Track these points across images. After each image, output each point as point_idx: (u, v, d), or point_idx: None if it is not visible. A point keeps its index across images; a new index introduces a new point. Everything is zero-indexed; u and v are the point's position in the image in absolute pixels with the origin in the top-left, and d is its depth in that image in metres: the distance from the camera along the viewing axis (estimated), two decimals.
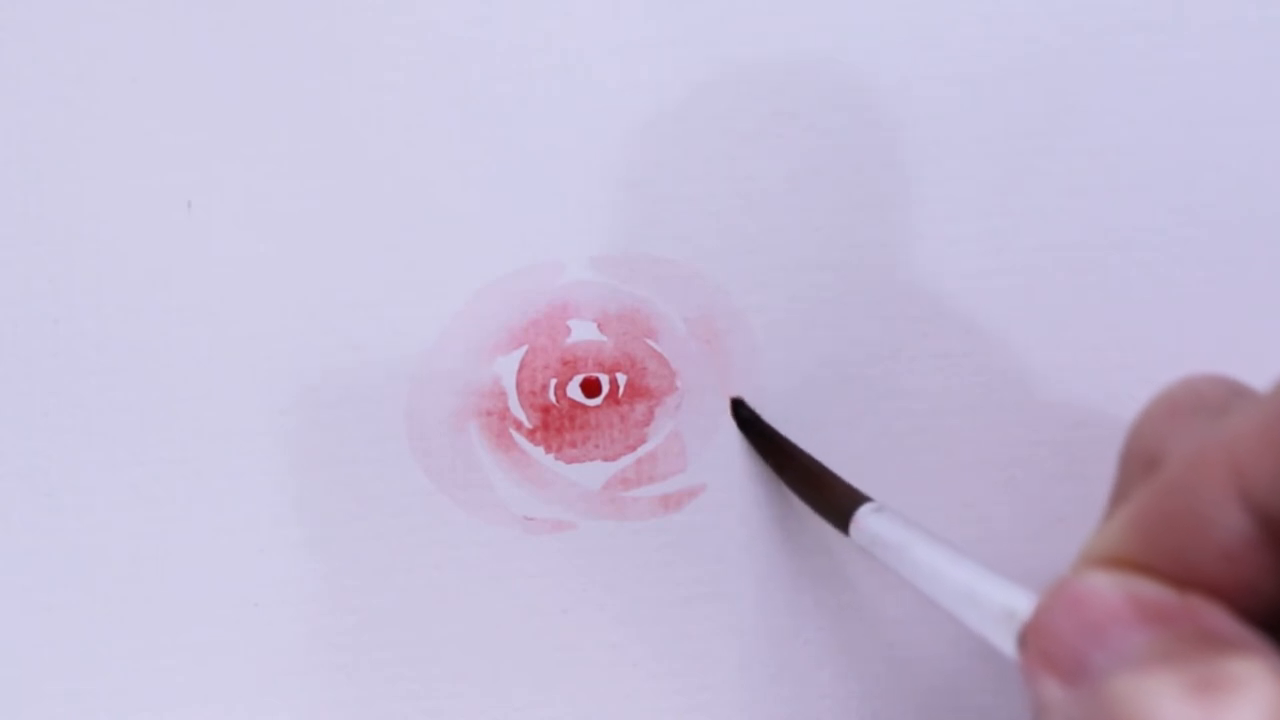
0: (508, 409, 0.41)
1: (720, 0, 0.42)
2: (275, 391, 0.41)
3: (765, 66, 0.42)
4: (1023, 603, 0.26)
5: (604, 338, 0.41)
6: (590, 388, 0.41)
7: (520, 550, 0.41)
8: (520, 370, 0.41)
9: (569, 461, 0.41)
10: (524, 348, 0.41)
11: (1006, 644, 0.26)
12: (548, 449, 0.41)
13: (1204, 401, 0.27)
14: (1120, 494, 0.28)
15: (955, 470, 0.42)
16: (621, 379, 0.41)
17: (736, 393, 0.41)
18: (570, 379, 0.41)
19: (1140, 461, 0.27)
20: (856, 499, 0.35)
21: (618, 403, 0.41)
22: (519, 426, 0.41)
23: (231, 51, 0.41)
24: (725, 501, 0.41)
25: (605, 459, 0.41)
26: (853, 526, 0.35)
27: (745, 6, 0.42)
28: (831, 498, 0.36)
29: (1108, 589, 0.24)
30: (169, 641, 0.41)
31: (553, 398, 0.41)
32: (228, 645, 0.41)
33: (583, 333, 0.41)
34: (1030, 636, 0.25)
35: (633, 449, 0.41)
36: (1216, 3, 0.42)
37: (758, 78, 0.42)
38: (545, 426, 0.41)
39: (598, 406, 0.41)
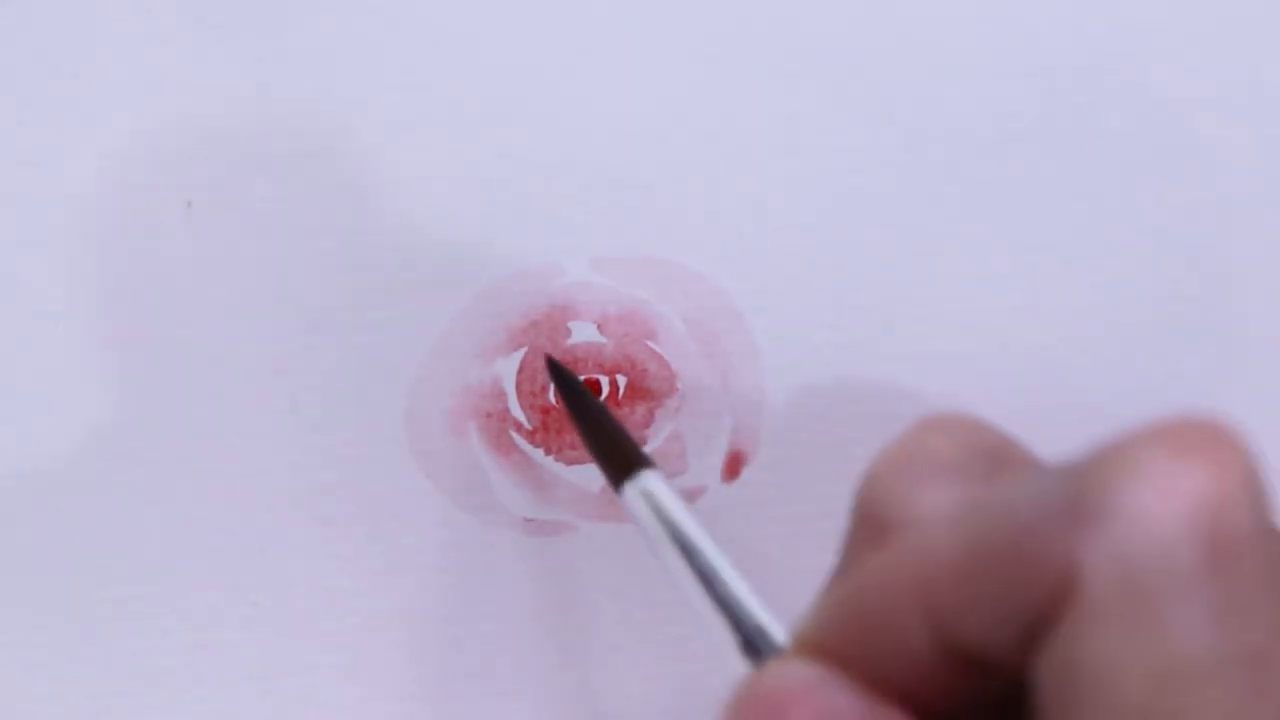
0: (507, 410, 0.41)
1: (721, 1, 0.42)
2: (275, 391, 0.41)
3: (766, 67, 0.42)
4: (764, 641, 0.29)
5: (604, 339, 0.41)
6: (590, 389, 0.41)
7: (520, 551, 0.41)
8: (520, 371, 0.41)
9: (569, 463, 0.41)
10: (524, 349, 0.41)
11: (733, 666, 0.29)
12: (547, 450, 0.41)
13: (936, 462, 0.27)
14: (847, 553, 0.28)
15: None
16: (622, 380, 0.41)
17: (736, 394, 0.41)
18: None
19: (868, 522, 0.27)
20: (644, 461, 0.35)
21: (618, 404, 0.41)
22: (519, 428, 0.41)
23: (231, 51, 0.41)
24: (726, 503, 0.41)
25: None
26: (631, 484, 0.34)
27: (746, 7, 0.42)
28: (623, 452, 0.36)
29: (801, 690, 0.25)
30: (169, 641, 0.41)
31: (553, 399, 0.41)
32: (228, 645, 0.41)
33: (583, 334, 0.41)
34: (725, 715, 0.26)
35: None
36: (1218, 2, 0.42)
37: (758, 78, 0.42)
38: (545, 428, 0.41)
39: None
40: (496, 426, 0.41)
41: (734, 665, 0.29)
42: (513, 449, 0.41)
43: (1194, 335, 0.42)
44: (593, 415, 0.38)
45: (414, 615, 0.41)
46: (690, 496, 0.41)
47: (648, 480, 0.34)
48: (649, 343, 0.41)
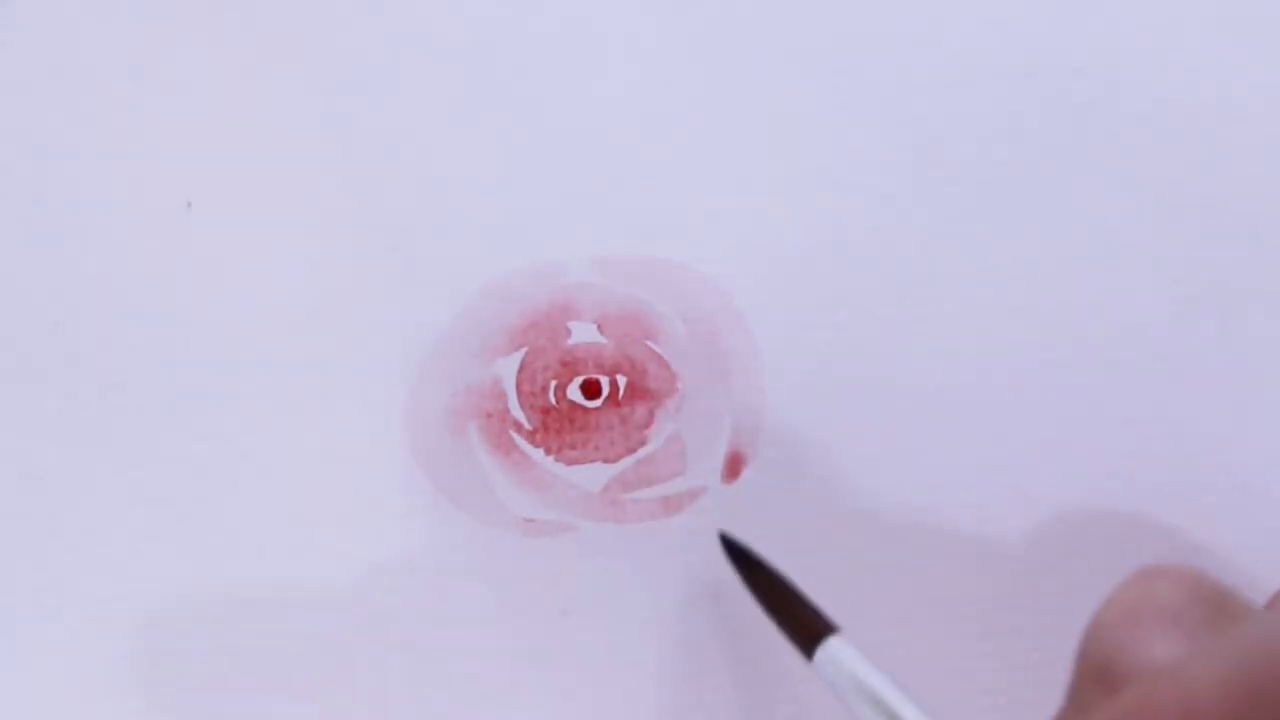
0: (508, 410, 0.41)
1: (721, 1, 0.42)
2: (275, 391, 0.41)
3: (766, 67, 0.42)
4: None
5: (604, 339, 0.41)
6: (590, 389, 0.41)
7: (520, 552, 0.41)
8: (520, 372, 0.41)
9: (569, 463, 0.41)
10: (524, 349, 0.41)
11: None
12: (547, 451, 0.41)
13: (1163, 612, 0.27)
14: (1074, 699, 0.28)
15: (956, 471, 0.42)
16: (622, 380, 0.41)
17: (736, 394, 0.41)
18: (570, 380, 0.41)
19: (1095, 670, 0.28)
20: (827, 627, 0.36)
21: (618, 404, 0.41)
22: (519, 428, 0.41)
23: (232, 51, 0.41)
24: (725, 503, 0.41)
25: (605, 461, 0.41)
26: (820, 652, 0.35)
27: (747, 7, 0.42)
28: (803, 620, 0.37)
29: None
30: (169, 642, 0.41)
31: (553, 399, 0.41)
32: (228, 645, 0.41)
33: (583, 334, 0.41)
34: None
35: (633, 451, 0.41)
36: (1217, 2, 0.42)
37: (758, 79, 0.42)
38: (545, 428, 0.41)
39: (598, 408, 0.41)
40: (496, 426, 0.41)
41: None
42: (513, 449, 0.41)
43: (1194, 335, 0.42)
44: (773, 586, 0.38)
45: (414, 615, 0.41)
46: (690, 497, 0.41)
47: (836, 646, 0.35)
48: (649, 343, 0.41)
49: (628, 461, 0.41)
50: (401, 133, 0.41)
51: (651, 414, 0.41)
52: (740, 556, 0.39)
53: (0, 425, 0.41)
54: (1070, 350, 0.42)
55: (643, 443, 0.41)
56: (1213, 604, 0.27)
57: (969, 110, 0.42)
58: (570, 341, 0.41)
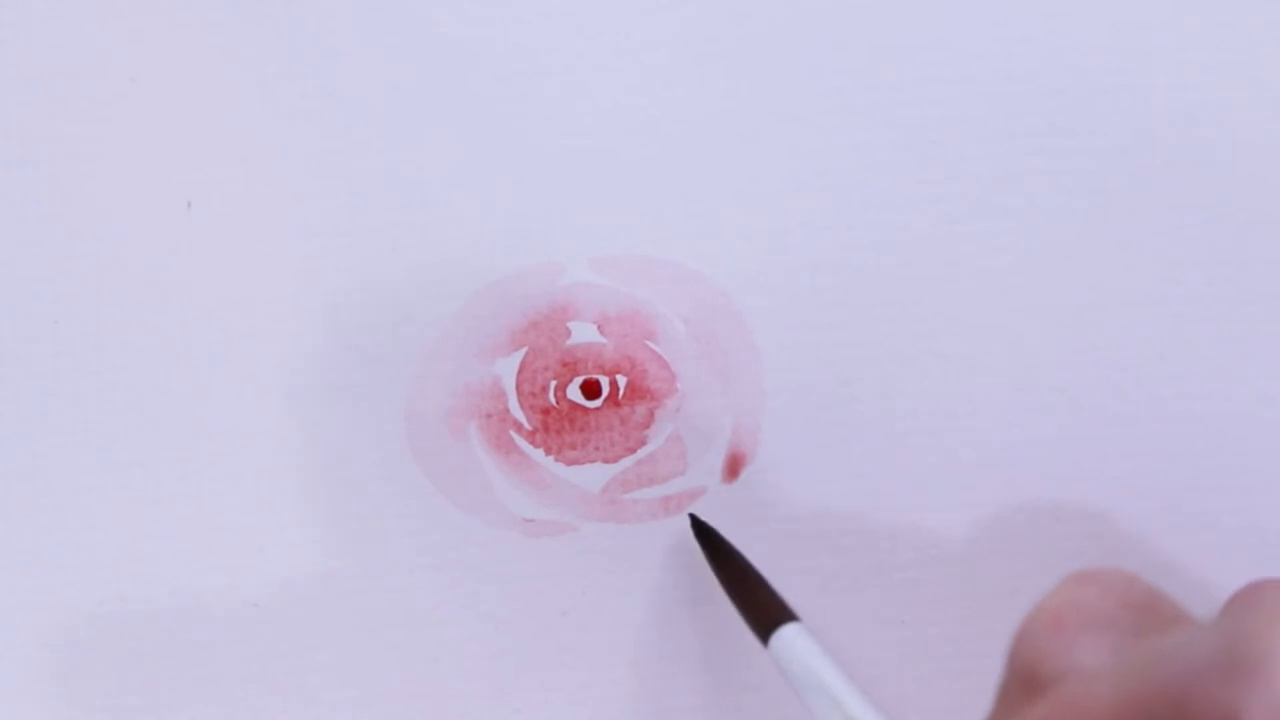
0: (507, 410, 0.41)
1: (722, 2, 0.42)
2: (275, 392, 0.41)
3: (765, 66, 0.42)
4: None
5: (604, 339, 0.41)
6: (590, 389, 0.41)
7: (520, 552, 0.41)
8: (520, 372, 0.41)
9: (569, 463, 0.41)
10: (524, 349, 0.41)
11: None
12: (547, 451, 0.41)
13: (1091, 617, 0.27)
14: (1000, 703, 0.29)
15: (955, 471, 0.42)
16: (621, 381, 0.41)
17: (736, 394, 0.41)
18: (570, 381, 0.41)
19: (1021, 675, 0.28)
20: (786, 614, 0.36)
21: (618, 405, 0.41)
22: (519, 428, 0.41)
23: (231, 51, 0.41)
24: (726, 503, 0.41)
25: (605, 461, 0.41)
26: (775, 638, 0.35)
27: (747, 8, 0.42)
28: (763, 607, 0.37)
29: None
30: (169, 641, 0.41)
31: (552, 399, 0.41)
32: (228, 645, 0.41)
33: (582, 334, 0.41)
34: None
35: (632, 451, 0.41)
36: (1217, 2, 0.42)
37: (759, 79, 0.42)
38: (545, 428, 0.41)
39: (598, 408, 0.41)
40: (496, 426, 0.41)
41: None
42: (513, 449, 0.41)
43: (1194, 335, 0.42)
44: (736, 570, 0.38)
45: (414, 615, 0.41)
46: (690, 497, 0.41)
47: (793, 633, 0.35)
48: (649, 343, 0.41)
49: (628, 461, 0.41)
50: (401, 133, 0.41)
51: (651, 414, 0.41)
52: (708, 540, 0.39)
53: (0, 425, 0.41)
54: (1071, 350, 0.42)
55: (643, 443, 0.41)
56: (1142, 610, 0.28)
57: (969, 110, 0.42)
58: (570, 341, 0.41)
